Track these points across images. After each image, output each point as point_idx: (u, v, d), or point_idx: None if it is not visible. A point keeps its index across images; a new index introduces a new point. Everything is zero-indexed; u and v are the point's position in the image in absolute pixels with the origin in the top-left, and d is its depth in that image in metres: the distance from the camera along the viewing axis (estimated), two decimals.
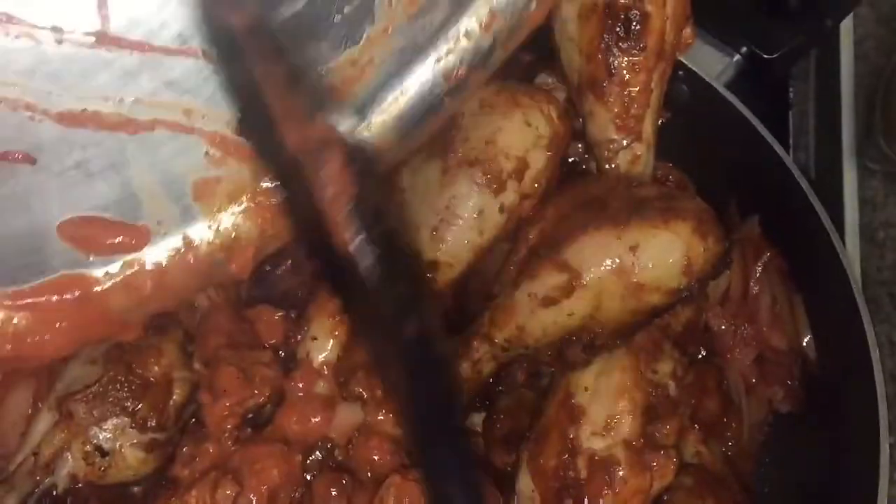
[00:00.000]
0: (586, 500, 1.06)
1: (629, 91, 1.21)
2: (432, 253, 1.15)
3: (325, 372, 1.20)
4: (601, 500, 1.05)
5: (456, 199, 1.14)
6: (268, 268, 1.42)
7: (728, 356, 1.31)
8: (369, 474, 1.18)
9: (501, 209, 1.15)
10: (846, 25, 1.61)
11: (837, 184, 1.56)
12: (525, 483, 1.14)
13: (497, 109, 1.16)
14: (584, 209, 1.12)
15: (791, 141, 1.63)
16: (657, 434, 1.08)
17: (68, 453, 1.25)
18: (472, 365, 1.20)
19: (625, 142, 1.22)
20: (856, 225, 1.50)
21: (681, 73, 1.35)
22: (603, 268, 1.08)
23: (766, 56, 1.46)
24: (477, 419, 1.25)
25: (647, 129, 1.23)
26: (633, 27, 1.15)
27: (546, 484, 1.10)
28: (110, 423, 1.24)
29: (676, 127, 1.34)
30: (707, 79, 1.38)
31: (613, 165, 1.23)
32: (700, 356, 1.31)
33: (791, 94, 1.67)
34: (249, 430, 1.18)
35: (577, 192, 1.16)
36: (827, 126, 1.63)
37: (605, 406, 1.08)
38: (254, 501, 1.09)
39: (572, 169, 1.30)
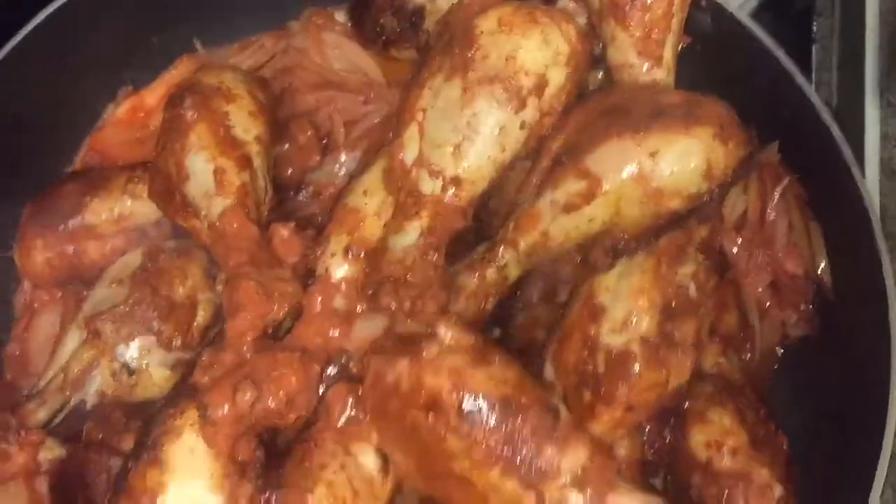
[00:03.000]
0: (603, 391, 1.07)
1: (650, 15, 1.22)
2: (454, 169, 1.17)
3: (343, 288, 1.23)
4: (616, 392, 1.06)
5: (477, 116, 1.16)
6: (291, 193, 1.46)
7: (743, 280, 1.31)
8: None
9: (522, 125, 1.17)
10: None
11: (859, 119, 1.55)
12: (548, 378, 1.16)
13: (516, 28, 1.17)
14: (606, 116, 1.14)
15: (813, 76, 1.62)
16: (676, 333, 1.08)
17: (96, 371, 1.31)
18: (498, 270, 1.22)
19: (645, 66, 1.23)
20: (876, 160, 1.49)
21: (703, 2, 1.35)
22: (623, 174, 1.10)
23: None
24: (496, 333, 1.28)
25: (668, 53, 1.24)
26: None
27: (567, 378, 1.12)
28: (136, 342, 1.30)
29: (697, 54, 1.35)
30: (730, 9, 1.37)
31: None
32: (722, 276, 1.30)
33: (815, 29, 1.66)
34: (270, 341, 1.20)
35: (599, 100, 1.18)
36: (850, 62, 1.62)
37: (625, 305, 1.09)
38: (272, 405, 1.11)
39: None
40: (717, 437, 1.17)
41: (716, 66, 1.38)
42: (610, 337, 1.09)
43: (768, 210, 1.31)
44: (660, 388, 1.08)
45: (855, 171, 1.25)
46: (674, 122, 1.09)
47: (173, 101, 1.33)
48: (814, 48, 1.64)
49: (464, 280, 1.22)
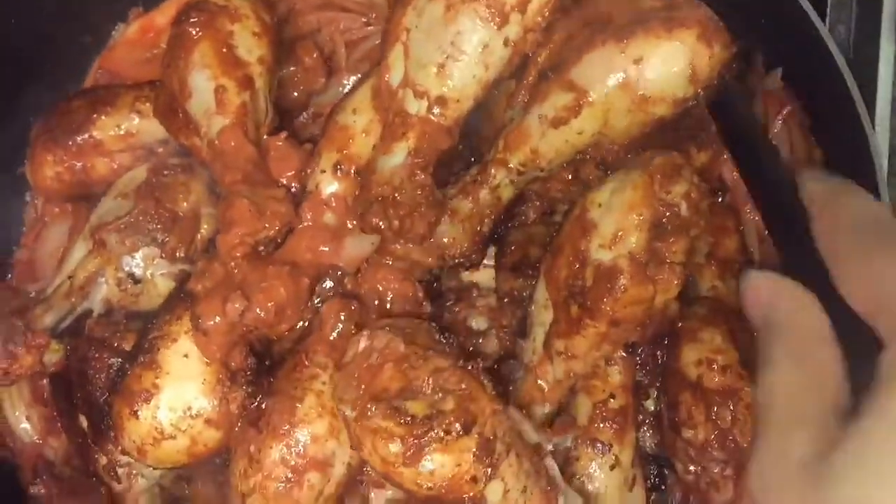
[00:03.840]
0: (589, 304, 1.08)
1: None
2: (439, 89, 1.17)
3: (333, 203, 1.24)
4: (601, 305, 1.07)
5: (460, 34, 1.15)
6: (296, 115, 1.47)
7: (742, 206, 1.31)
8: (376, 302, 1.23)
9: (506, 42, 1.15)
10: None
11: (874, 57, 1.53)
12: (540, 292, 1.18)
13: None
14: (588, 27, 1.12)
15: (829, 12, 1.59)
16: (665, 251, 1.08)
17: (102, 279, 1.34)
18: (491, 191, 1.22)
19: None
20: (888, 99, 1.48)
21: None
22: (608, 83, 1.10)
23: None
24: (491, 251, 1.30)
25: None
26: None
27: (558, 293, 1.13)
28: (141, 253, 1.33)
29: None
30: None
31: None
32: (721, 200, 1.32)
33: None
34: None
35: (583, 11, 1.16)
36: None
37: (615, 220, 1.09)
38: (261, 315, 1.14)
39: None
40: (708, 354, 1.18)
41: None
42: (599, 252, 1.09)
43: (769, 137, 1.30)
44: (646, 303, 1.08)
45: (863, 114, 1.22)
46: (656, 26, 1.07)
47: (180, 18, 1.33)
48: None
49: (457, 203, 1.23)
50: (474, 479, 1.00)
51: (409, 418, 0.98)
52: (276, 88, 1.38)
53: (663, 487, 1.28)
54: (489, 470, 1.00)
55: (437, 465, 0.98)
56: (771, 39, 1.32)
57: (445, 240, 1.22)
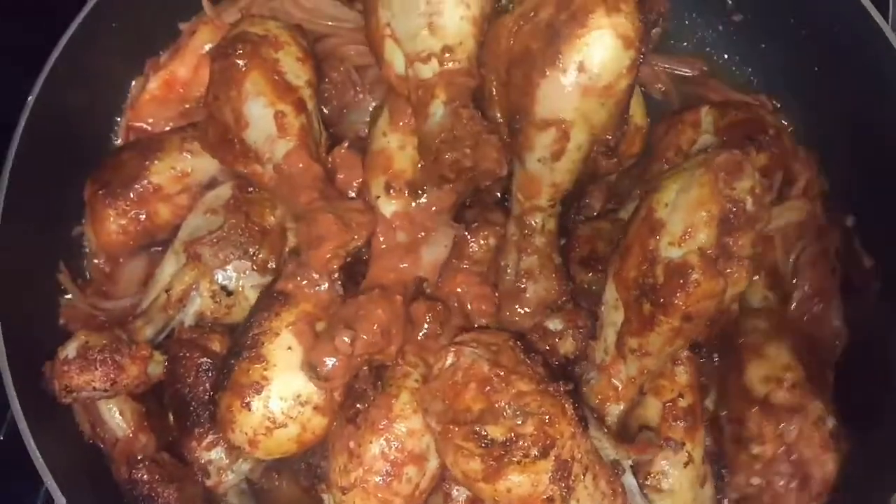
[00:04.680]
0: (662, 301, 1.14)
1: None
2: (440, 42, 1.23)
3: (398, 222, 1.31)
4: (675, 300, 1.12)
5: None
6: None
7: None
8: (456, 304, 1.31)
9: None
10: None
11: None
12: (610, 293, 1.24)
13: None
14: (518, 68, 1.17)
15: (891, 17, 1.56)
16: (733, 245, 1.13)
17: (196, 292, 1.41)
18: (541, 234, 1.29)
19: None
20: None
21: None
22: (573, 99, 1.15)
23: None
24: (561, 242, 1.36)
25: None
26: None
27: (628, 292, 1.19)
28: (234, 265, 1.40)
29: None
30: None
31: None
32: None
33: None
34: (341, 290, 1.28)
35: (505, 56, 1.20)
36: None
37: (683, 218, 1.14)
38: (369, 339, 1.19)
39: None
40: (777, 372, 1.23)
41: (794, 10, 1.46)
42: (669, 250, 1.14)
43: None
44: (717, 297, 1.13)
45: None
46: (571, 30, 1.11)
47: (223, 51, 1.36)
48: None
49: (524, 264, 1.30)
50: (550, 500, 1.06)
51: (488, 441, 1.04)
52: None
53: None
54: (566, 492, 1.06)
55: (515, 484, 1.05)
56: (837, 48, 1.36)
57: (541, 296, 1.30)
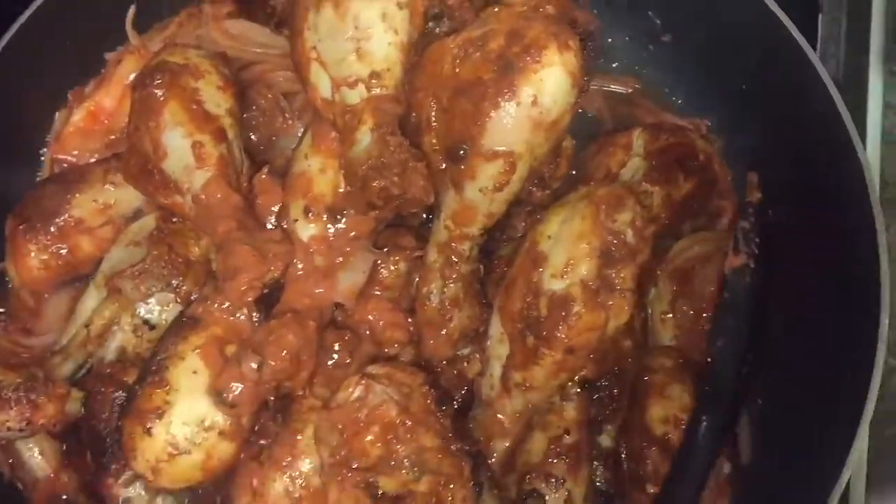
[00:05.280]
0: (544, 334, 1.15)
1: None
2: (367, 68, 1.24)
3: (315, 246, 1.31)
4: (557, 333, 1.14)
5: (358, 18, 1.22)
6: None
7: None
8: (368, 332, 1.31)
9: (399, 5, 1.24)
10: None
11: (863, 89, 1.58)
12: (495, 327, 1.26)
13: None
14: (465, 95, 1.17)
15: (819, 45, 1.61)
16: (614, 277, 1.15)
17: (117, 327, 1.40)
18: (467, 262, 1.29)
19: None
20: (878, 128, 1.52)
21: None
22: (524, 133, 1.16)
23: None
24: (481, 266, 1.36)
25: None
26: None
27: (513, 325, 1.21)
28: (156, 298, 1.39)
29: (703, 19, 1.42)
30: None
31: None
32: None
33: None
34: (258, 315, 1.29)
35: (452, 82, 1.20)
36: (856, 33, 1.64)
37: (565, 250, 1.16)
38: (277, 365, 1.20)
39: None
40: (676, 412, 1.25)
41: (716, 32, 1.46)
42: (551, 282, 1.16)
43: None
44: (599, 329, 1.15)
45: (855, 138, 1.25)
46: (526, 63, 1.13)
47: (142, 81, 1.37)
48: (820, 18, 1.65)
49: (450, 292, 1.29)
50: None
51: (378, 493, 1.06)
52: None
53: None
54: None
55: None
56: (765, 71, 1.37)
57: (464, 324, 1.30)
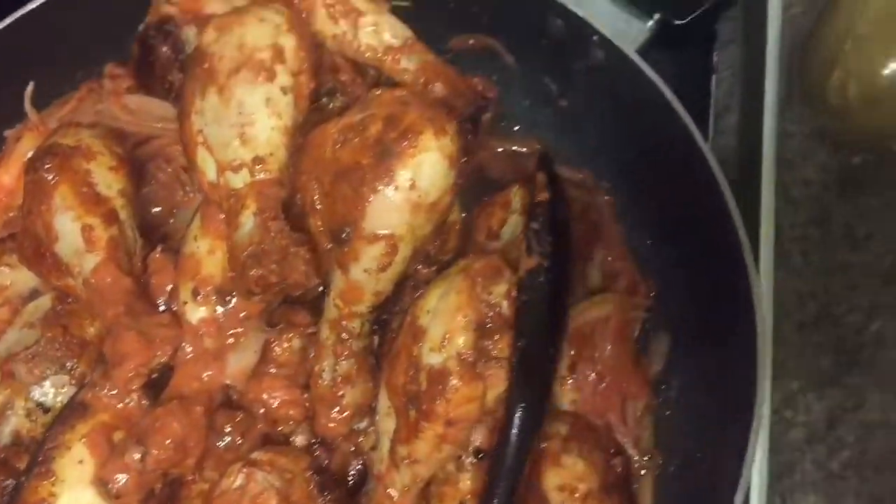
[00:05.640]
0: (424, 408, 1.17)
1: None
2: (251, 153, 1.27)
3: (205, 328, 1.31)
4: (435, 407, 1.16)
5: (242, 103, 1.25)
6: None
7: None
8: (262, 411, 1.31)
9: (284, 90, 1.27)
10: None
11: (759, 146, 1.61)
12: (383, 401, 1.27)
13: (231, 25, 1.29)
14: (345, 180, 1.22)
15: (712, 108, 1.68)
16: (492, 348, 1.18)
17: (10, 412, 1.36)
18: (358, 339, 1.31)
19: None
20: (772, 184, 1.54)
21: (595, 38, 1.43)
22: (404, 216, 1.21)
23: (677, 22, 1.52)
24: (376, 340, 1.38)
25: None
26: None
27: (398, 399, 1.23)
28: (51, 381, 1.36)
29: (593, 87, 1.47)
30: (619, 45, 1.43)
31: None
32: None
33: (715, 60, 1.71)
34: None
35: (332, 166, 1.24)
36: (752, 91, 1.68)
37: (442, 324, 1.18)
38: (161, 455, 1.19)
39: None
40: (570, 481, 1.25)
41: (608, 101, 1.50)
42: (430, 356, 1.19)
43: None
44: (477, 400, 1.17)
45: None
46: (403, 149, 1.18)
47: (33, 164, 1.37)
48: (714, 78, 1.69)
49: (342, 370, 1.30)
50: None
51: None
52: (139, 210, 1.44)
53: None
54: None
55: None
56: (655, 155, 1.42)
57: (358, 401, 1.30)
